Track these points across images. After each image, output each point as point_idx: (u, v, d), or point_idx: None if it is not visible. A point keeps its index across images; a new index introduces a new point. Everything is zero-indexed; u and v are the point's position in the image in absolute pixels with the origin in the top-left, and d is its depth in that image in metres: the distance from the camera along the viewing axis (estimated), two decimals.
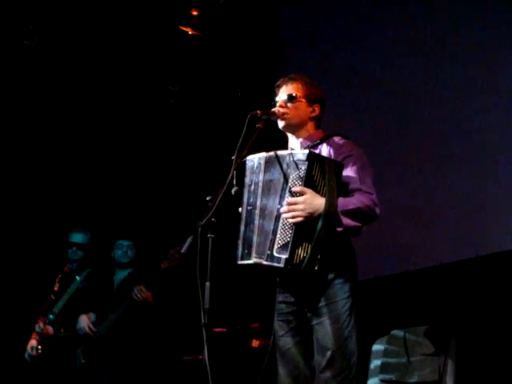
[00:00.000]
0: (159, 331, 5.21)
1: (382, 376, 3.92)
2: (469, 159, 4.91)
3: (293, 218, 2.95)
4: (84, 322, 5.06)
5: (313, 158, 2.99)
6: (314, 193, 2.97)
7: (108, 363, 5.00)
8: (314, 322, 3.09)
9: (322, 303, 3.07)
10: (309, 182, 2.98)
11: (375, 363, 4.01)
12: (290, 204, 2.97)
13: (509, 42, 4.72)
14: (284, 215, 2.98)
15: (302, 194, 2.96)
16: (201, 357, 2.85)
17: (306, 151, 3.03)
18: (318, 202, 2.95)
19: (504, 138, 4.69)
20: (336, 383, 3.00)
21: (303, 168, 2.98)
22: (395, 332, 4.04)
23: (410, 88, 5.40)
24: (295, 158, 3.02)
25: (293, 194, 2.98)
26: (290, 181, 3.02)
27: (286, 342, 3.20)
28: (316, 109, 3.36)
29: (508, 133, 4.67)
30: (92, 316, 5.14)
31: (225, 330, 5.53)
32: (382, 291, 5.26)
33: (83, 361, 5.00)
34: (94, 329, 5.02)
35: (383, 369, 3.93)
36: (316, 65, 6.11)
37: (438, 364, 3.68)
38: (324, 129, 3.42)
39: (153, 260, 5.14)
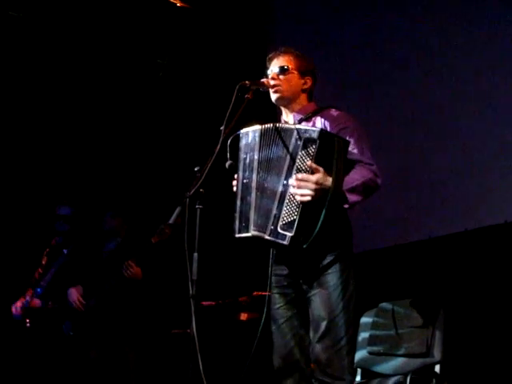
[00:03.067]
0: (148, 304, 5.21)
1: (369, 348, 3.92)
2: (457, 134, 4.92)
3: (302, 195, 2.90)
4: (74, 295, 5.06)
5: (324, 137, 2.94)
6: (325, 173, 2.91)
7: (97, 336, 5.01)
8: (310, 293, 3.10)
9: (318, 275, 3.07)
10: (319, 161, 2.92)
11: (363, 335, 4.01)
12: (300, 181, 2.91)
13: None
14: (292, 190, 2.93)
15: (314, 172, 2.90)
16: (189, 330, 2.84)
17: (318, 129, 2.98)
18: (328, 182, 2.91)
19: (493, 117, 4.70)
20: (331, 354, 3.02)
21: (314, 146, 2.92)
22: (383, 304, 4.04)
23: (402, 57, 5.39)
24: (304, 135, 2.96)
25: (301, 171, 2.93)
26: (298, 158, 2.95)
27: (282, 314, 3.21)
28: (308, 81, 3.34)
29: (498, 111, 4.67)
30: (81, 289, 5.13)
31: (213, 303, 5.53)
32: (371, 264, 5.27)
33: (71, 333, 5.00)
34: (83, 301, 5.02)
35: (371, 341, 3.94)
36: (305, 36, 6.08)
37: (425, 336, 3.69)
38: (317, 101, 3.39)
39: (141, 232, 5.13)
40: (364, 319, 4.11)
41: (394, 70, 5.44)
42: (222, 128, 2.96)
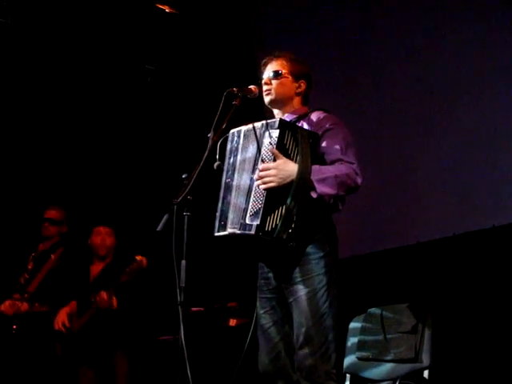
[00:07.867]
0: (135, 311, 5.18)
1: (358, 353, 3.92)
2: (448, 138, 4.93)
3: (264, 183, 2.95)
4: (61, 316, 5.03)
5: (284, 126, 3.01)
6: (286, 159, 2.97)
7: (85, 345, 5.00)
8: (291, 298, 3.08)
9: (298, 279, 3.05)
10: (281, 149, 2.98)
11: (352, 341, 4.02)
12: (261, 170, 2.96)
13: None
14: (256, 182, 2.98)
15: (274, 159, 2.96)
16: (177, 337, 2.84)
17: (277, 119, 3.05)
18: (290, 167, 2.95)
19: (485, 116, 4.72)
20: (313, 360, 2.98)
21: (274, 136, 2.99)
22: (372, 310, 4.04)
23: (390, 58, 5.39)
24: (267, 127, 3.04)
25: (265, 161, 2.98)
26: (263, 149, 3.03)
27: (267, 320, 3.19)
28: (302, 84, 3.35)
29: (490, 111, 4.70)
30: (74, 305, 5.10)
31: (202, 309, 5.53)
32: (359, 269, 5.28)
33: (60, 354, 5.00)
34: (67, 325, 4.99)
35: (360, 346, 3.94)
36: (294, 42, 6.08)
37: (414, 341, 3.69)
38: (312, 104, 3.40)
39: (129, 251, 5.12)
40: (353, 324, 4.11)
41: (381, 79, 5.46)
42: (209, 135, 2.98)
